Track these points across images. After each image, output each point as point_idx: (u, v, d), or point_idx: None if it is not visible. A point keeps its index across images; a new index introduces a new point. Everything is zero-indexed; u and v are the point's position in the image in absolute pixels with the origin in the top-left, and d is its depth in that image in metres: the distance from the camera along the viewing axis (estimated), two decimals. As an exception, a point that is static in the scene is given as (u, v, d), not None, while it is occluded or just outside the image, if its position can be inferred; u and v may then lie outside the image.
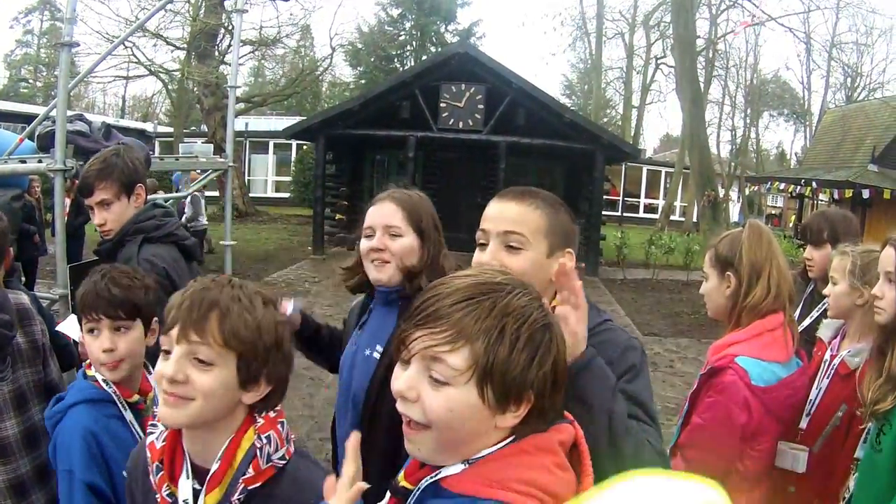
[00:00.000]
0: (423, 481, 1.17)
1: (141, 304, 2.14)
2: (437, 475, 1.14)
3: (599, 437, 1.45)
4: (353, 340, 2.31)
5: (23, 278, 7.36)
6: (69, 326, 2.86)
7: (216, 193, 20.63)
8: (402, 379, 1.14)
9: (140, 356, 2.15)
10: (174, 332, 1.42)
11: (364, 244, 2.16)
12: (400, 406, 1.14)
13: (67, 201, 6.26)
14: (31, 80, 41.36)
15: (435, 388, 1.10)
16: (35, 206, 9.70)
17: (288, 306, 2.32)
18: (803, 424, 2.44)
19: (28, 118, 15.66)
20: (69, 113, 4.42)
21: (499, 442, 1.13)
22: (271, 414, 1.53)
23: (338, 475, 1.26)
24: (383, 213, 2.16)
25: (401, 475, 1.24)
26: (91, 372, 2.10)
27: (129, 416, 2.08)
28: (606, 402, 1.49)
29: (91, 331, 2.10)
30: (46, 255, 9.89)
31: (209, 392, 1.41)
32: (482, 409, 1.09)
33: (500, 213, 1.75)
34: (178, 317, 1.42)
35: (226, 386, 1.43)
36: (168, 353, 1.43)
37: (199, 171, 12.43)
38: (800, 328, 2.74)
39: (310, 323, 2.53)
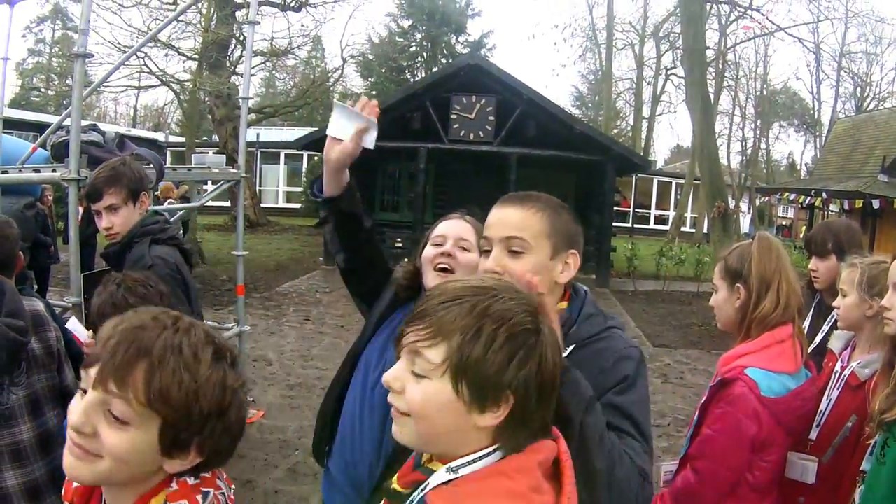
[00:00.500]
0: (408, 500, 1.19)
1: None
2: (424, 488, 1.17)
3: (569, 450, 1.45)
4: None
5: (34, 286, 7.40)
6: (76, 325, 2.91)
7: (228, 203, 20.76)
8: (391, 371, 1.19)
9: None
10: (92, 372, 1.13)
11: (432, 251, 2.16)
12: (389, 396, 1.19)
13: (80, 210, 6.29)
14: (42, 89, 41.64)
15: (416, 381, 1.15)
16: (48, 215, 9.76)
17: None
18: (813, 435, 2.43)
19: (40, 127, 15.81)
20: (83, 123, 4.47)
21: (482, 449, 1.15)
22: (190, 480, 1.23)
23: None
24: (458, 228, 2.20)
25: (394, 478, 1.27)
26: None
27: None
28: (578, 415, 1.47)
29: None
30: (59, 264, 9.95)
31: (120, 455, 1.12)
32: (457, 404, 1.12)
33: (502, 220, 1.76)
34: (100, 356, 1.14)
35: (142, 451, 1.14)
36: (85, 392, 1.15)
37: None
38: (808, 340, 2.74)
39: (358, 202, 2.21)
